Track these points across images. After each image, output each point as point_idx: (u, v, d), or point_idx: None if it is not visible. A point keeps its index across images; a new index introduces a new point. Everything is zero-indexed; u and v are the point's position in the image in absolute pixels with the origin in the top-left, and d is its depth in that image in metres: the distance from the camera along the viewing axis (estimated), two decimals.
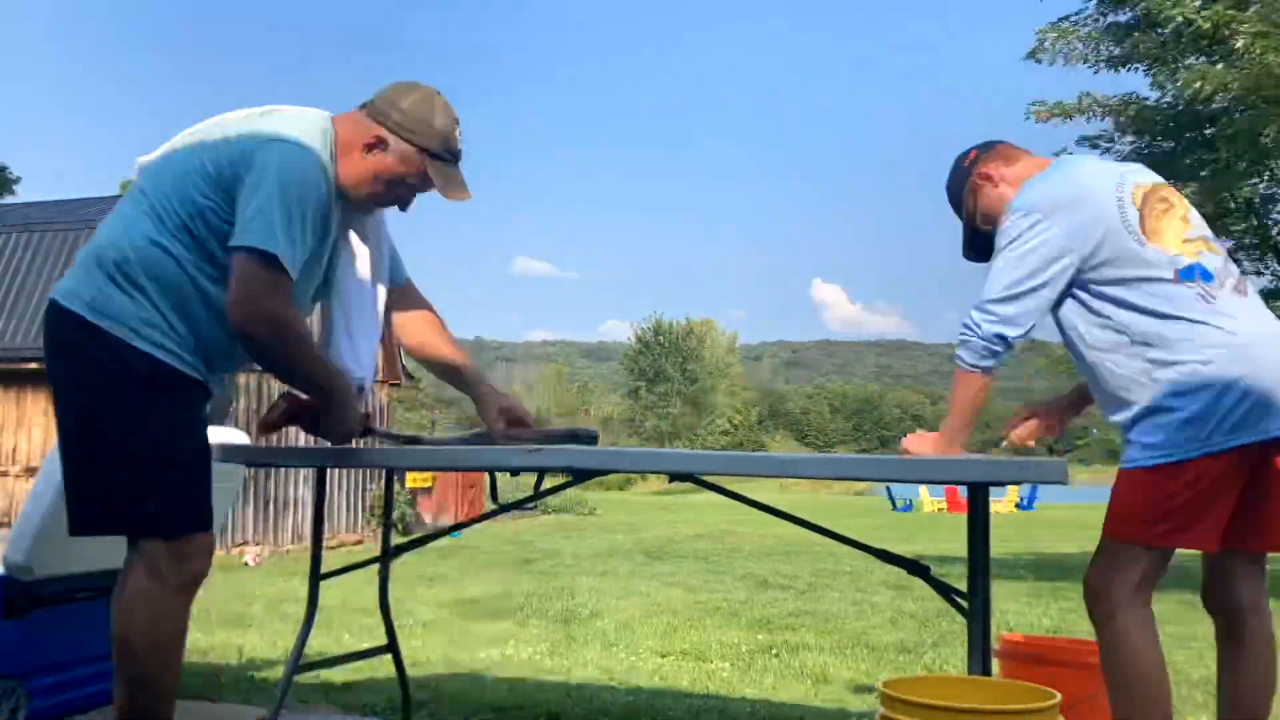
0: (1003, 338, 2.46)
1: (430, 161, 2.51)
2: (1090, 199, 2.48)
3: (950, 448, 2.56)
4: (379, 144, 2.49)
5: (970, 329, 2.49)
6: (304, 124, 2.42)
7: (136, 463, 2.34)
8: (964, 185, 2.79)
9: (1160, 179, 2.60)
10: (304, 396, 2.62)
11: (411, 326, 2.91)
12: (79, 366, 2.37)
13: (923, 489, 31.20)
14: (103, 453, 2.35)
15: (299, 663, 3.29)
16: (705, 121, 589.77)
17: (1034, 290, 2.45)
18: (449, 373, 2.92)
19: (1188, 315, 2.37)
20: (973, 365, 2.51)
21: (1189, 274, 2.41)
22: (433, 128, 2.51)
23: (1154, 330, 2.39)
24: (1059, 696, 1.98)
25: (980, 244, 2.79)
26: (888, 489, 32.46)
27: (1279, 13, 8.38)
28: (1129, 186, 2.51)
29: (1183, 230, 2.48)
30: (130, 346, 2.33)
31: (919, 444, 2.61)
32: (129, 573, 2.36)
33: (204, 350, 2.44)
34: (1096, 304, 2.47)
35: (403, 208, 2.62)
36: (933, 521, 24.24)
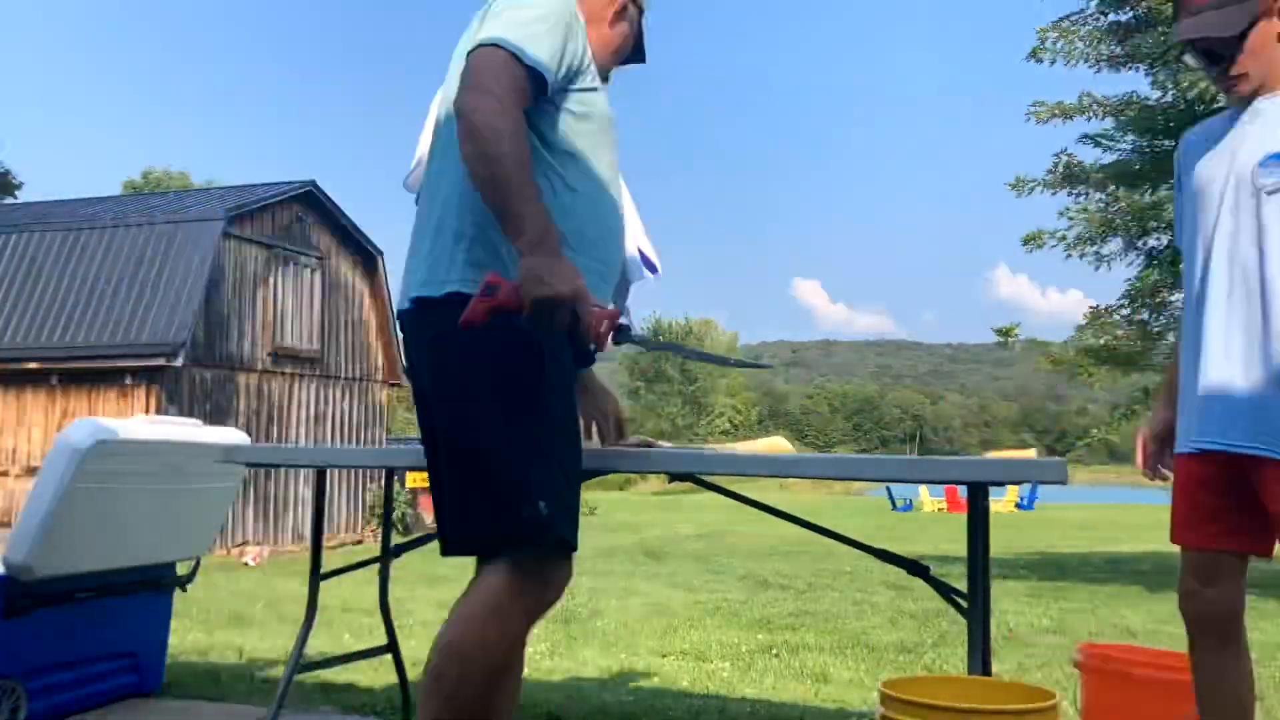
0: None
1: (639, 19, 2.37)
2: None
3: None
4: (624, 10, 2.32)
5: None
6: None
7: (531, 452, 1.97)
8: (1252, 15, 2.29)
9: None
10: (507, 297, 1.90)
11: None
12: (457, 357, 2.00)
13: (923, 489, 31.19)
14: (492, 447, 1.97)
15: (299, 662, 3.30)
16: (680, 117, 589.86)
17: None
18: None
19: None
20: None
21: None
22: None
23: None
24: (1057, 697, 1.98)
25: (1206, 50, 2.36)
26: (888, 489, 32.46)
27: None
28: None
29: None
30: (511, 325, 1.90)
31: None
32: (483, 582, 2.00)
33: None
34: None
35: (640, 59, 2.41)
36: (933, 521, 24.24)
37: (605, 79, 2.32)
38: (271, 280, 15.92)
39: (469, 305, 1.87)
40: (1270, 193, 2.21)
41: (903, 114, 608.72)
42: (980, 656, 2.58)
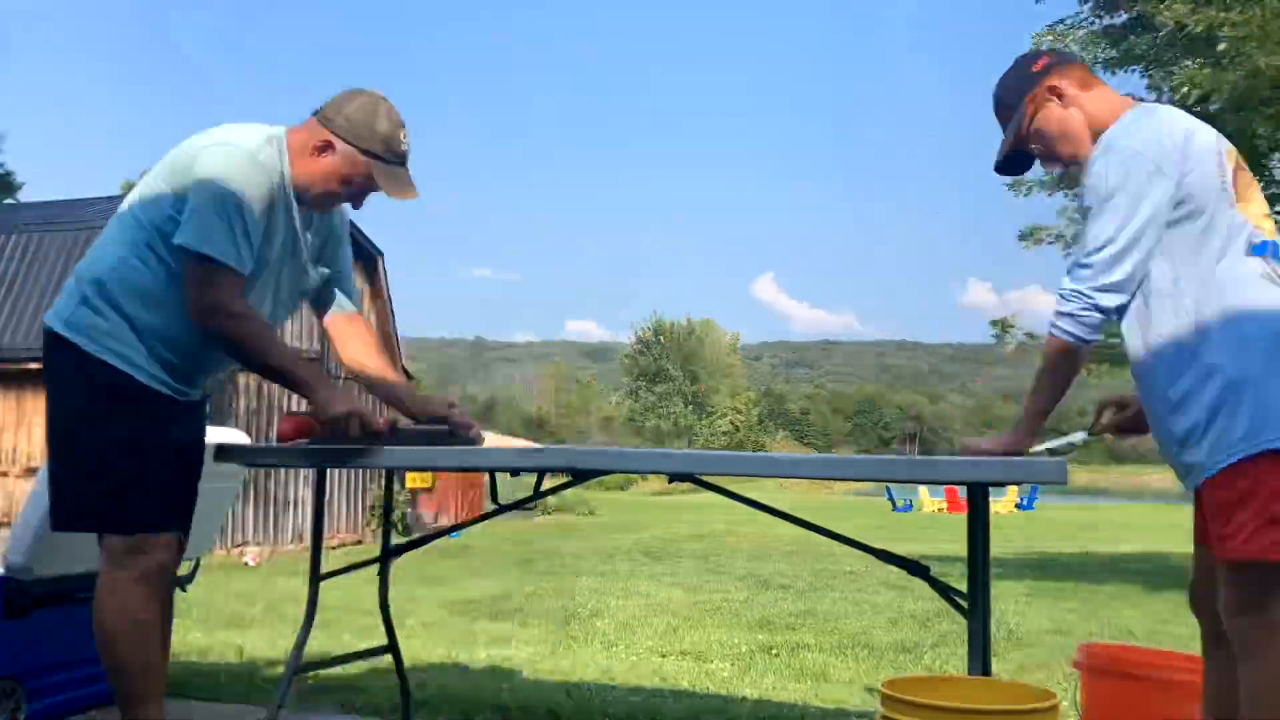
0: (1103, 307, 2.21)
1: (374, 163, 2.65)
2: (1202, 150, 2.24)
3: (1027, 439, 2.34)
4: (327, 147, 2.65)
5: (1077, 295, 2.22)
6: (248, 131, 2.63)
7: (97, 467, 2.57)
8: (1026, 93, 2.46)
9: None
10: (301, 413, 2.82)
11: (352, 347, 3.06)
12: (53, 378, 2.63)
13: (923, 489, 31.18)
14: (71, 457, 2.60)
15: (299, 663, 3.29)
16: (643, 115, 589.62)
17: (1138, 247, 2.19)
18: (383, 387, 3.06)
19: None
20: (1083, 338, 2.24)
21: (1262, 250, 2.21)
22: (375, 131, 2.65)
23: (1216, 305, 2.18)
24: (1059, 698, 1.98)
25: (1018, 162, 2.55)
26: (888, 489, 32.45)
27: (1270, 10, 8.36)
28: (1225, 144, 2.31)
29: (1263, 206, 2.30)
30: (93, 359, 2.55)
31: (991, 444, 2.38)
32: (100, 569, 2.63)
33: (183, 356, 2.64)
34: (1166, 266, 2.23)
35: (355, 206, 2.78)
36: (933, 522, 24.23)
37: (323, 209, 2.78)
38: None
39: (282, 429, 2.82)
40: None
41: (897, 118, 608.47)
42: (981, 657, 2.58)
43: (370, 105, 2.68)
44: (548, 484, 3.38)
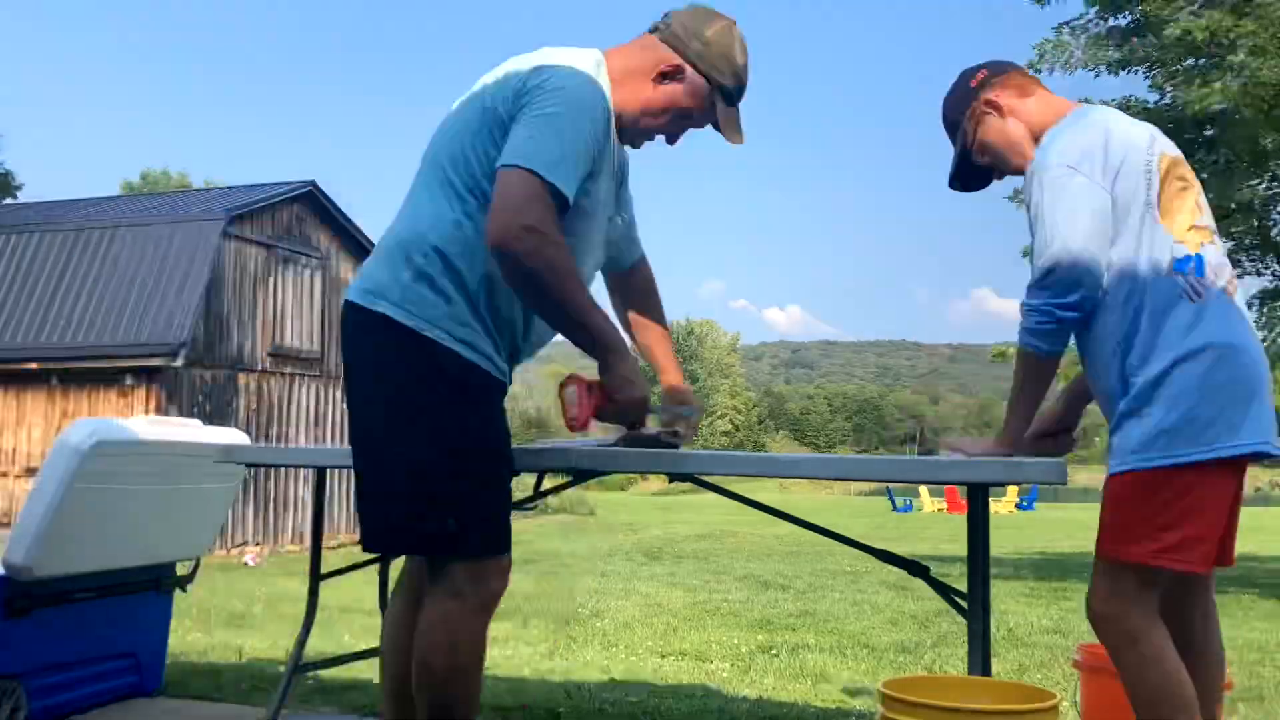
0: (1061, 319, 2.23)
1: (719, 99, 2.32)
2: (1127, 160, 2.25)
3: (1005, 443, 2.37)
4: (675, 73, 2.29)
5: (1034, 309, 2.24)
6: (577, 55, 2.25)
7: (444, 474, 2.15)
8: (965, 109, 2.49)
9: (1180, 153, 2.40)
10: (588, 386, 2.30)
11: (646, 317, 2.71)
12: (386, 370, 2.18)
13: (923, 489, 31.19)
14: (418, 468, 2.15)
15: (299, 663, 3.29)
16: None
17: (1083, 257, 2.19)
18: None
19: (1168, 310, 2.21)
20: (1047, 350, 2.27)
21: (1183, 265, 2.23)
22: (733, 64, 2.32)
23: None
24: (1058, 697, 1.98)
25: (969, 173, 2.57)
26: (888, 490, 32.48)
27: (1277, 24, 8.37)
28: (1158, 151, 2.31)
29: (1194, 216, 2.30)
30: (440, 347, 2.14)
31: (971, 446, 2.44)
32: (428, 594, 2.21)
33: (510, 335, 2.27)
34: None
35: (672, 141, 2.41)
36: (933, 522, 24.23)
37: (635, 144, 2.39)
38: (271, 280, 15.92)
39: (579, 408, 2.26)
40: None
41: (899, 123, 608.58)
42: (981, 657, 2.58)
43: (728, 31, 2.32)
44: (548, 484, 3.38)
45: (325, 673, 4.15)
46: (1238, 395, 2.18)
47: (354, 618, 6.62)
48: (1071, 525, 22.11)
